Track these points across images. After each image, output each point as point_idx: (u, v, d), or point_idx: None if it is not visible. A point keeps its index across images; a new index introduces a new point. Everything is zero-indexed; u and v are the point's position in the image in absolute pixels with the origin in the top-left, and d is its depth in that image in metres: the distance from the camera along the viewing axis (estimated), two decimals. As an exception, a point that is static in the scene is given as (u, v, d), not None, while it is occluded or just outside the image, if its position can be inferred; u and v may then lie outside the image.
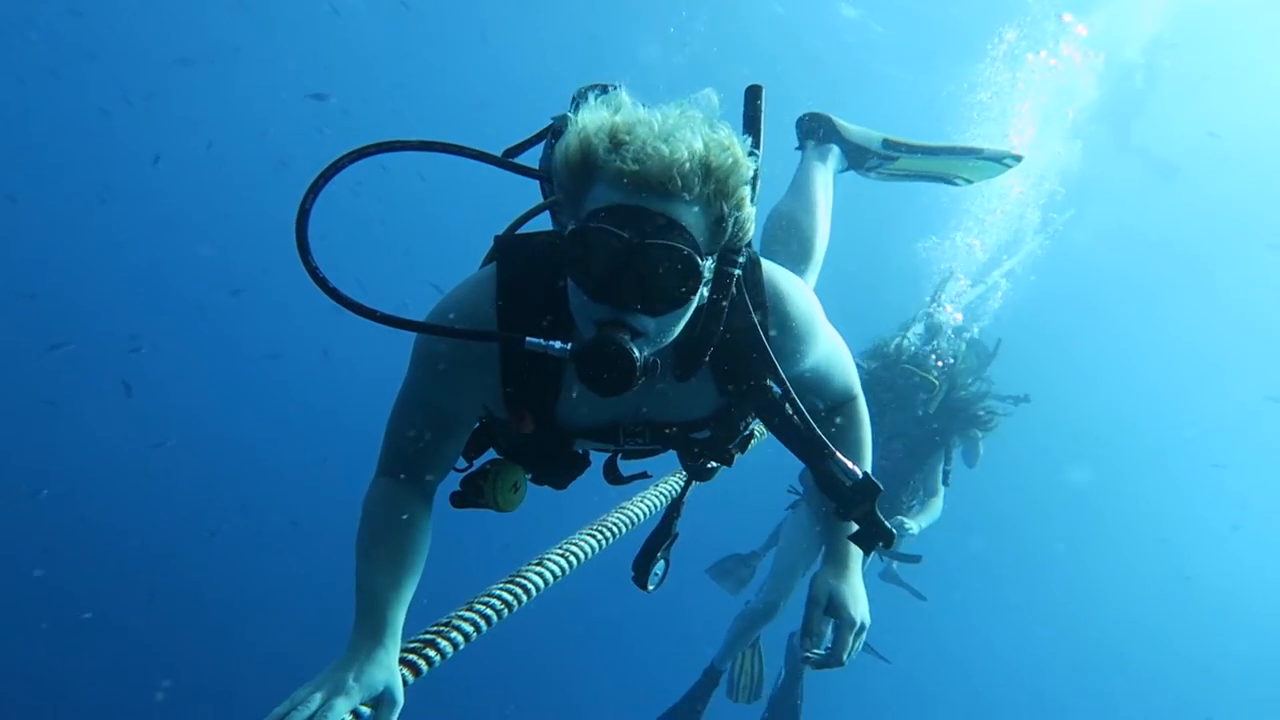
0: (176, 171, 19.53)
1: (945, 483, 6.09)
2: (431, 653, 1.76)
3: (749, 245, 1.83)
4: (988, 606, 19.49)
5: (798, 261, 3.15)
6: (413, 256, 20.21)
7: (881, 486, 1.94)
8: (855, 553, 2.18)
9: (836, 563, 2.24)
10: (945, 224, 10.64)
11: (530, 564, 2.11)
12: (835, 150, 3.59)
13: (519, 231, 2.01)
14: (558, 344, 1.65)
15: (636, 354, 1.57)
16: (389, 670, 1.67)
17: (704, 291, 1.64)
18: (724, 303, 1.75)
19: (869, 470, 1.99)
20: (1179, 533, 20.78)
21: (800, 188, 3.43)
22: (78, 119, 19.68)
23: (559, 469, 2.14)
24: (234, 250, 19.28)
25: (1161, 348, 21.34)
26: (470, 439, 2.10)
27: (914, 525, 5.82)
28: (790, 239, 3.23)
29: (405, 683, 1.69)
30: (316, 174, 1.64)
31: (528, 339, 1.67)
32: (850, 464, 1.91)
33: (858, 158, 3.61)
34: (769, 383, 1.90)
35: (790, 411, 1.91)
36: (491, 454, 2.18)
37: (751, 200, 1.64)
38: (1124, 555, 20.54)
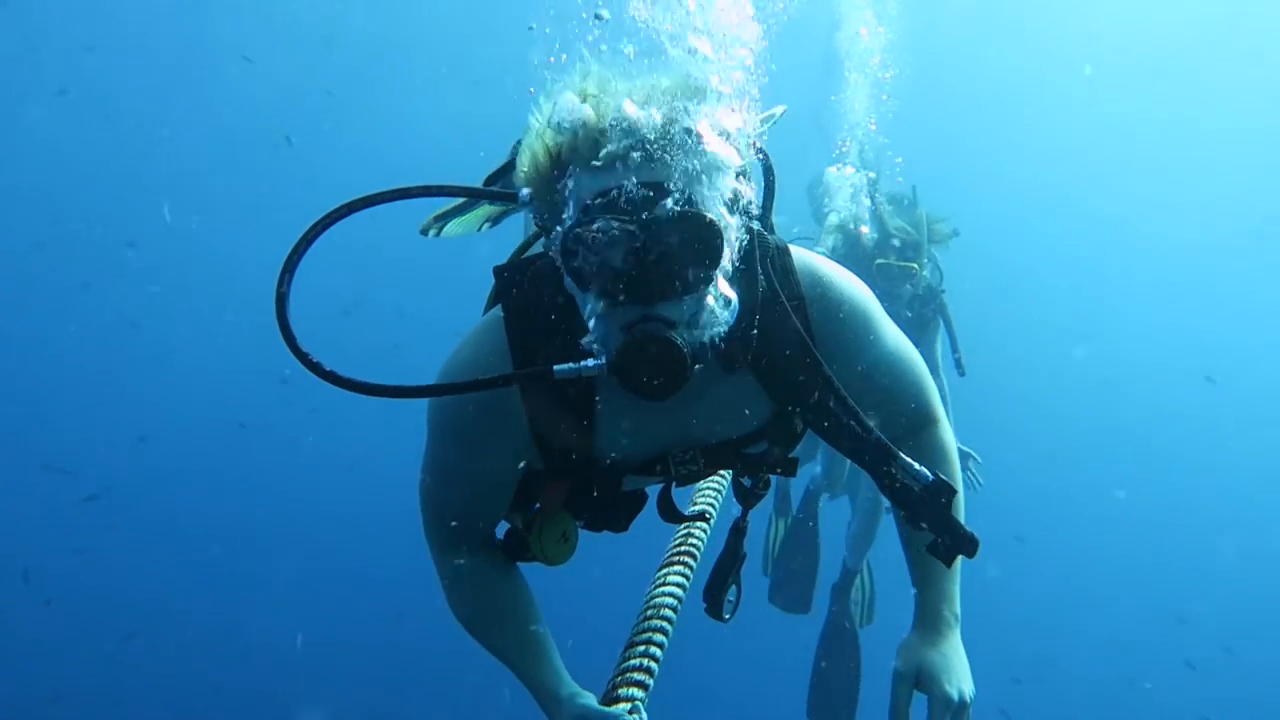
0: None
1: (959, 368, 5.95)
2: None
3: (776, 236, 1.72)
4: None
5: None
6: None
7: (958, 488, 1.73)
8: (951, 610, 1.85)
9: (928, 625, 1.84)
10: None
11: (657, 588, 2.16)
12: None
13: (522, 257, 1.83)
14: (590, 362, 1.50)
15: (681, 342, 1.42)
16: (568, 714, 1.81)
17: (725, 262, 1.47)
18: (758, 272, 1.58)
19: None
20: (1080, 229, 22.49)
21: None
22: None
23: (614, 511, 1.95)
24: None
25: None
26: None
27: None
28: None
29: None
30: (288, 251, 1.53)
31: (555, 368, 1.52)
32: (918, 465, 1.67)
33: None
34: (817, 381, 1.67)
35: (841, 412, 1.68)
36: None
37: (755, 148, 1.51)
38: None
